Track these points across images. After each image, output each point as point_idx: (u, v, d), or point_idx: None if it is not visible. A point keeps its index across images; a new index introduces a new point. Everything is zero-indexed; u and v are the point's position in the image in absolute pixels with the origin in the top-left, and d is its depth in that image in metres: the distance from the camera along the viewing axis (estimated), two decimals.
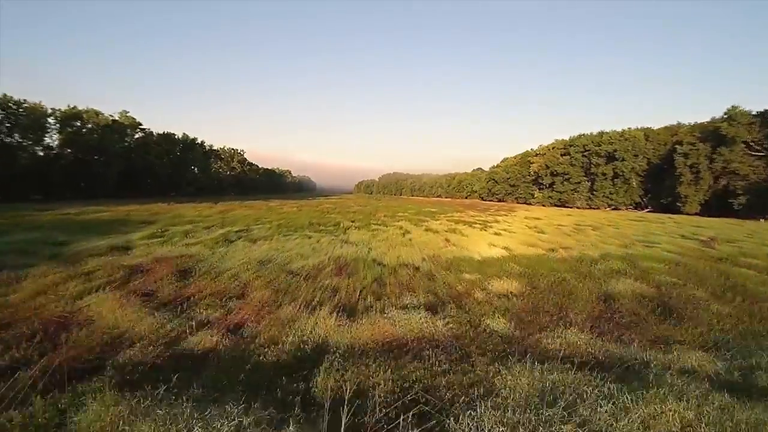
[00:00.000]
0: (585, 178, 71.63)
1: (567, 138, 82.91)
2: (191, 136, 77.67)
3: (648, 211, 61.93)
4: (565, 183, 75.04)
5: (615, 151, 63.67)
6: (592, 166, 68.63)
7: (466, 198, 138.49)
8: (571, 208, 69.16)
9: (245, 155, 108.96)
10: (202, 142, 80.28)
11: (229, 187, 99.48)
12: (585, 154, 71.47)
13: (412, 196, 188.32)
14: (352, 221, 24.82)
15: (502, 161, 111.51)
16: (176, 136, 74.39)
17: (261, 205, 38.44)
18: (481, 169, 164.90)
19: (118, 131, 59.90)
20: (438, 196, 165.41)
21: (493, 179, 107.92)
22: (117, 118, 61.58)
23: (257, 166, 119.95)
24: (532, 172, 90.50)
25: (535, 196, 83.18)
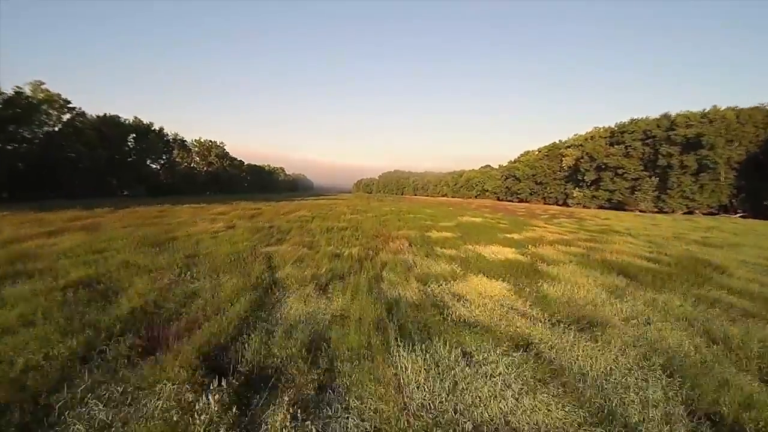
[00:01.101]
0: (647, 172, 54.40)
1: (613, 124, 65.74)
2: (146, 120, 60.09)
3: (741, 216, 44.82)
4: (617, 179, 57.77)
5: (700, 136, 46.41)
6: (661, 156, 51.37)
7: (476, 197, 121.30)
8: (632, 211, 51.94)
9: (226, 148, 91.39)
10: (161, 129, 62.61)
11: (203, 185, 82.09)
12: (648, 141, 54.24)
13: (415, 195, 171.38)
14: (328, 277, 7.57)
15: (523, 155, 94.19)
16: (123, 120, 56.86)
17: (183, 213, 21.06)
18: (489, 166, 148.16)
19: (24, 108, 42.35)
20: (443, 195, 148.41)
21: (513, 176, 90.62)
22: (28, 92, 44.04)
23: (241, 161, 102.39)
24: (565, 167, 73.30)
25: (574, 195, 65.88)
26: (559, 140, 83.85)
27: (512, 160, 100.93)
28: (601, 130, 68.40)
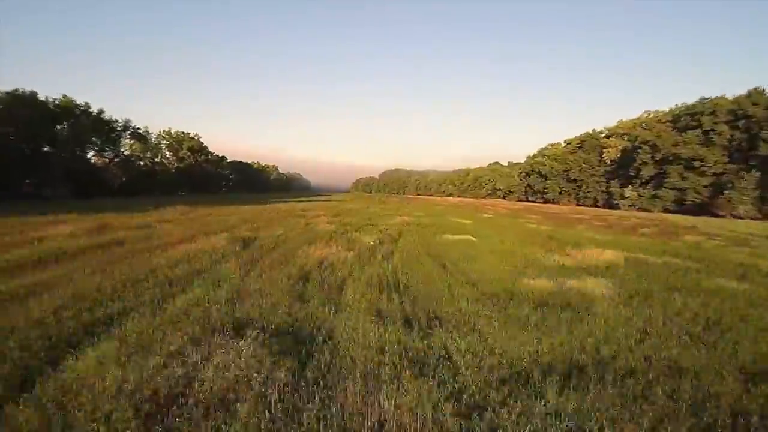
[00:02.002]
0: (736, 165, 40.49)
1: (674, 105, 51.78)
2: (81, 101, 45.72)
3: None
4: (689, 174, 43.81)
5: None
6: (763, 143, 37.49)
7: (487, 197, 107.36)
8: (721, 216, 38.04)
9: (203, 140, 77.29)
10: (101, 113, 48.22)
11: (172, 184, 68.10)
12: (738, 124, 40.32)
13: (418, 194, 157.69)
14: None
15: (547, 148, 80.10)
16: (49, 100, 42.73)
17: None
18: (498, 163, 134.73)
19: None
20: (449, 195, 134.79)
21: (538, 173, 76.57)
22: None
23: (222, 156, 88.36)
24: (607, 161, 59.50)
25: (626, 195, 51.80)
26: (593, 129, 69.90)
27: (532, 155, 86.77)
28: (657, 113, 54.52)
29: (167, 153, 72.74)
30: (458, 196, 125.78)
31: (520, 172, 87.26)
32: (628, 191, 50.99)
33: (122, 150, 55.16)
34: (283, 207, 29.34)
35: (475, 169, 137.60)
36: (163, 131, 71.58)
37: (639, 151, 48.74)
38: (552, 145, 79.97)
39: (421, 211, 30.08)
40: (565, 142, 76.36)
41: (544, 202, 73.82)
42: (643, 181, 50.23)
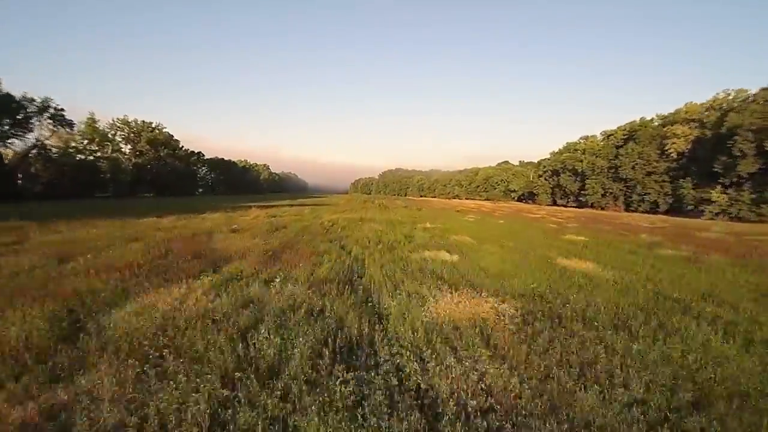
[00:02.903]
0: None
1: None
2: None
3: None
4: None
5: None
6: None
7: (500, 199, 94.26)
8: None
9: (167, 131, 64.02)
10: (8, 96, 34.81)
11: (125, 184, 54.92)
12: None
13: (421, 196, 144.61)
14: None
15: (579, 142, 67.02)
16: None
17: None
18: (508, 162, 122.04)
19: None
20: (455, 197, 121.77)
21: (571, 170, 63.45)
22: None
23: (196, 152, 75.01)
24: (672, 154, 46.50)
25: (713, 199, 38.70)
26: (641, 118, 56.99)
27: (558, 151, 73.68)
28: (740, 92, 41.51)
29: (124, 146, 59.64)
30: (466, 198, 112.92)
31: (545, 170, 74.05)
32: (716, 194, 37.85)
33: (47, 140, 41.93)
34: (206, 224, 16.07)
35: (483, 168, 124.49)
36: (118, 119, 58.31)
37: (736, 138, 35.61)
38: (585, 138, 66.95)
39: (462, 231, 16.83)
40: (602, 134, 63.42)
41: (579, 206, 60.85)
42: (735, 180, 37.18)
